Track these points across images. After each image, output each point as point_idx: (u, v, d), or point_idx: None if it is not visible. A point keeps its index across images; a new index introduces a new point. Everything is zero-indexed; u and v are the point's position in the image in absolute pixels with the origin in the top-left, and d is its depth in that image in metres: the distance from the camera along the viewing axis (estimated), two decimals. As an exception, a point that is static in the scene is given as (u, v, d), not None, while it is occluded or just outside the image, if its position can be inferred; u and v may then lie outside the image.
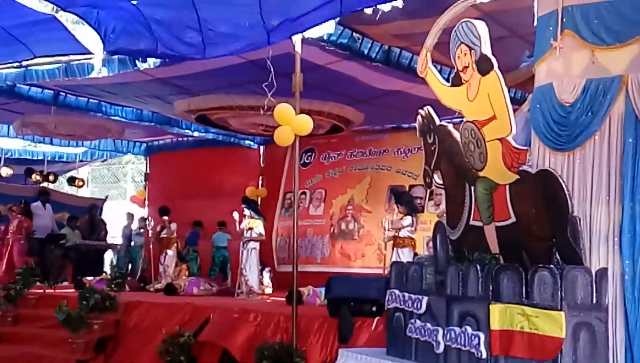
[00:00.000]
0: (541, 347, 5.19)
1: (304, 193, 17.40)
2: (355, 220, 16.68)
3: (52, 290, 14.50)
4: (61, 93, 14.77)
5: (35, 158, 21.00)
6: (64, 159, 21.60)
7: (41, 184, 20.48)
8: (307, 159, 17.66)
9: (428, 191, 14.82)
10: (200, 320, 11.29)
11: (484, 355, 5.51)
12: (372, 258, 15.70)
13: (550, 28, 6.28)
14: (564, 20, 6.16)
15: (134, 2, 8.20)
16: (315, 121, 10.33)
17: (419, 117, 6.98)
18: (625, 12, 5.90)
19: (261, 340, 10.04)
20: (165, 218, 16.29)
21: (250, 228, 13.90)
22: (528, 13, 6.83)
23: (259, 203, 16.94)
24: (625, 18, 5.90)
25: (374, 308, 9.61)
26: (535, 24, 6.66)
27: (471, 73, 6.09)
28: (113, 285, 13.17)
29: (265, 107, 10.83)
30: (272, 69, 10.38)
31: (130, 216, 19.12)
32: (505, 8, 8.15)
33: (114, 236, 21.13)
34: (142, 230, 17.77)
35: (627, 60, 5.84)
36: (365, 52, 10.92)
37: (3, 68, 11.85)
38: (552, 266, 5.34)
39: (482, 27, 5.97)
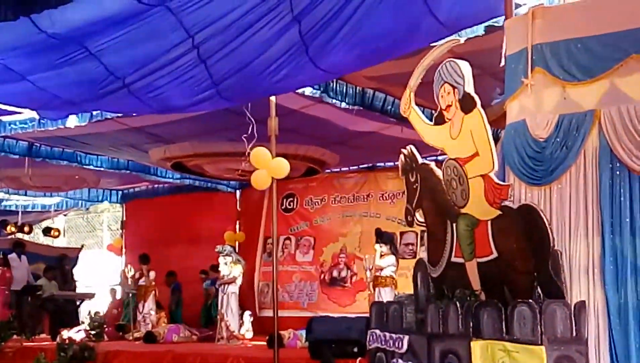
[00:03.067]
0: (524, 382, 5.19)
1: (288, 238, 17.44)
2: (348, 268, 16.67)
3: (29, 343, 14.32)
4: (35, 144, 14.71)
5: (9, 209, 20.87)
6: (39, 209, 21.49)
7: (16, 236, 20.31)
8: (289, 205, 17.68)
9: (419, 237, 14.94)
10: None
11: (468, 393, 5.50)
12: (363, 304, 15.58)
13: (521, 66, 6.38)
14: (534, 58, 6.27)
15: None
16: (290, 164, 10.41)
17: (402, 156, 7.01)
18: (594, 48, 6.02)
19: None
20: (144, 266, 16.20)
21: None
22: (497, 52, 6.93)
23: (237, 247, 16.90)
24: (594, 54, 6.02)
25: (355, 349, 9.59)
26: (502, 63, 6.76)
27: (454, 111, 6.13)
28: (92, 335, 13.05)
29: (244, 162, 10.94)
30: (252, 121, 10.47)
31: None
32: (476, 49, 8.26)
33: (89, 285, 20.98)
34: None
35: (598, 95, 5.94)
36: (339, 94, 11.02)
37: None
38: (530, 301, 5.34)
39: (465, 66, 6.03)
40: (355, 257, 16.49)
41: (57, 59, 7.29)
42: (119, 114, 11.47)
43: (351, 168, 16.95)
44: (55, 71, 7.56)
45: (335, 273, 16.84)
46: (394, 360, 6.37)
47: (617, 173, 5.86)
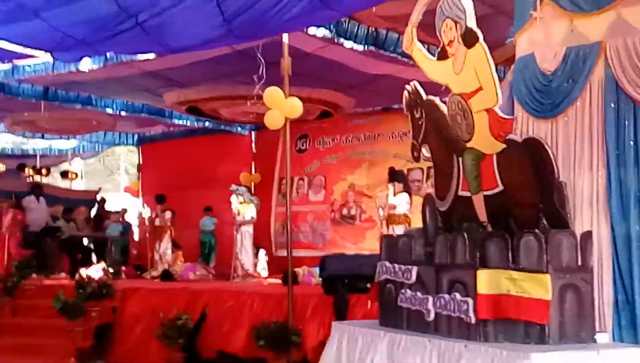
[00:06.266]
0: (529, 309, 5.30)
1: (302, 178, 17.56)
2: (357, 205, 16.80)
3: (49, 280, 14.59)
4: (50, 88, 14.80)
5: (27, 154, 21.09)
6: (56, 154, 21.70)
7: (34, 179, 20.56)
8: (302, 145, 17.78)
9: (425, 173, 15.04)
10: (197, 304, 11.42)
11: (473, 320, 5.59)
12: (372, 241, 15.74)
13: (530, -1, 6.41)
14: (543, -11, 6.28)
15: None
16: (305, 107, 10.44)
17: (406, 92, 7.05)
18: (602, -23, 6.02)
19: (259, 322, 10.18)
20: (160, 206, 16.39)
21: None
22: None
23: (253, 188, 17.05)
24: (601, -17, 6.02)
25: (368, 285, 9.73)
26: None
27: (457, 47, 6.13)
28: (110, 273, 13.30)
29: (255, 98, 10.97)
30: (262, 61, 10.50)
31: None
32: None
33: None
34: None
35: (605, 26, 5.94)
36: (352, 35, 10.97)
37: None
38: (536, 231, 5.42)
39: (466, 0, 6.05)
40: (364, 195, 16.62)
41: None
42: (132, 57, 11.50)
43: (366, 109, 16.94)
44: (67, 7, 7.59)
45: (345, 212, 16.98)
46: (403, 291, 6.50)
47: (622, 105, 5.88)
